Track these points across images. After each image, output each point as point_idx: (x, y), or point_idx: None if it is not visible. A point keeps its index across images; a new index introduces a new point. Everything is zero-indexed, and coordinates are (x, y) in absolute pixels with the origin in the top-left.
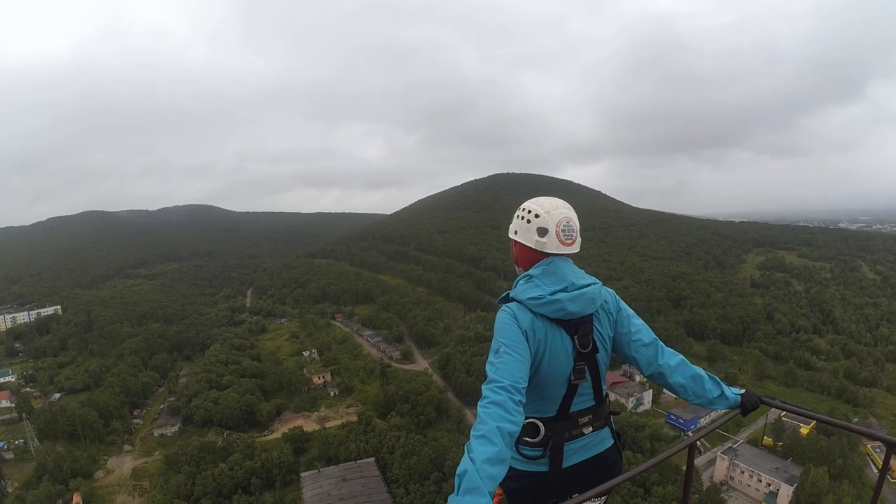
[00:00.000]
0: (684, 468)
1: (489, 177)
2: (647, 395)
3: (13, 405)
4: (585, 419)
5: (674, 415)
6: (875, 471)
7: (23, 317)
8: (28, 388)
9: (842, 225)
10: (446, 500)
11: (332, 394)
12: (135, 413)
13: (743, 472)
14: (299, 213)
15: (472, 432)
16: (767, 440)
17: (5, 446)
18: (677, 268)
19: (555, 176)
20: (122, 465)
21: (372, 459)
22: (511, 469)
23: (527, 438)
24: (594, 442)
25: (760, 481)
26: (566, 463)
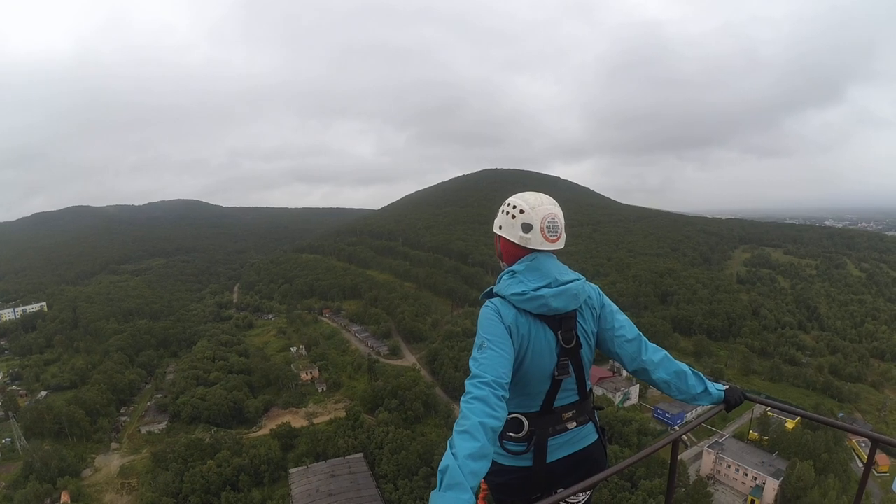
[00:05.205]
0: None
1: (477, 172)
2: (635, 390)
3: None
4: (569, 414)
5: (660, 409)
6: (860, 465)
7: (8, 314)
8: (14, 387)
9: (827, 223)
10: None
11: (320, 389)
12: (122, 410)
13: (729, 466)
14: (287, 209)
15: (454, 427)
16: (753, 434)
17: None
18: (664, 264)
19: (544, 172)
20: (110, 463)
21: (360, 455)
22: (495, 464)
23: (510, 433)
24: (578, 437)
25: (747, 475)
26: (550, 458)
